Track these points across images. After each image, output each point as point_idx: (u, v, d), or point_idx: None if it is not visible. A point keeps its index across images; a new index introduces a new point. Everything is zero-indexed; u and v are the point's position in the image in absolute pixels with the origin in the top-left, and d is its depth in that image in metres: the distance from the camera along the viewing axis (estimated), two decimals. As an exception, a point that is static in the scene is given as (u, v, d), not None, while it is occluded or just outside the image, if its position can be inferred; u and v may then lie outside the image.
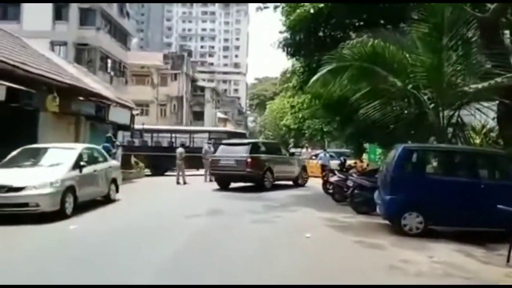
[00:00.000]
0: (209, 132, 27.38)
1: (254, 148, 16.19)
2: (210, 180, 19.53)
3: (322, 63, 11.55)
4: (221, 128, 39.53)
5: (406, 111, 11.52)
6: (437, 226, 8.35)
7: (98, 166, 11.37)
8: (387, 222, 9.12)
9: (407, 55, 10.38)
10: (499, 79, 9.71)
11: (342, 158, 16.63)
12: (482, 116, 13.36)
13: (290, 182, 17.97)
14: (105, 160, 12.12)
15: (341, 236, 8.14)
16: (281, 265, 5.91)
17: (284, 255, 6.48)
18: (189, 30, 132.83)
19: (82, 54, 36.27)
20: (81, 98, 15.93)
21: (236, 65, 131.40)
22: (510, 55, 11.28)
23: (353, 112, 16.08)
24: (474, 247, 7.40)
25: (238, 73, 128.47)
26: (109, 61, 39.80)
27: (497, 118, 11.69)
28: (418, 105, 10.80)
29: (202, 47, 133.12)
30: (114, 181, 12.15)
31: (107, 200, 11.63)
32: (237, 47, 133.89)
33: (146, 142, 26.35)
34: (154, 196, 13.95)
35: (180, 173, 18.38)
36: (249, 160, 15.40)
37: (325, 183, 15.78)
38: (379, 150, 25.62)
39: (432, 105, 10.78)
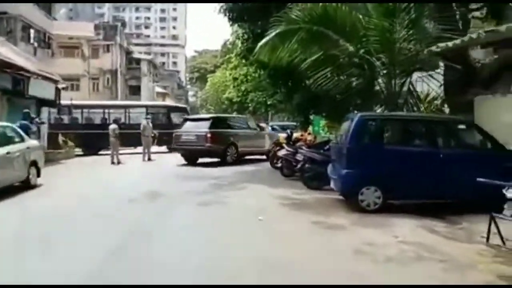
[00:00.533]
0: (147, 106, 25.55)
1: (216, 123, 16.12)
2: (149, 159, 18.20)
3: (267, 29, 10.61)
4: (159, 102, 37.52)
5: (356, 79, 10.88)
6: (396, 200, 7.81)
7: (13, 147, 9.73)
8: (342, 197, 8.52)
9: (360, 17, 9.63)
10: (450, 43, 9.29)
11: (288, 131, 15.94)
12: (424, 85, 13.26)
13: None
14: (22, 140, 10.44)
15: (297, 216, 7.36)
16: (233, 260, 4.97)
17: (235, 246, 5.55)
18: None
19: (1, 23, 32.56)
20: (-8, 69, 13.80)
21: (174, 37, 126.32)
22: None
23: (301, 81, 15.38)
24: (434, 221, 6.94)
25: (176, 45, 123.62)
26: (31, 31, 36.03)
27: (444, 84, 11.47)
28: (371, 72, 10.17)
29: (137, 18, 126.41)
30: (34, 163, 10.54)
31: (26, 185, 10.06)
32: (175, 18, 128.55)
33: (76, 119, 24.11)
34: (82, 179, 12.42)
35: (114, 152, 16.82)
36: (208, 135, 15.38)
37: (273, 157, 15.06)
38: (322, 122, 25.43)
39: (385, 71, 10.22)
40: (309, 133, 16.07)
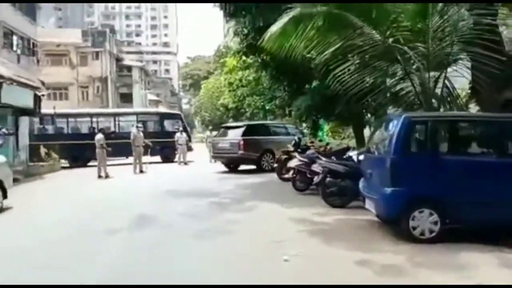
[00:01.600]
0: (137, 114, 23.72)
1: (250, 130, 15.96)
2: (141, 171, 16.39)
3: (271, 23, 8.90)
4: (151, 109, 35.34)
5: (382, 75, 9.13)
6: (457, 224, 6.03)
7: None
8: (377, 219, 6.76)
9: (388, -1, 7.92)
10: None
11: (296, 137, 14.17)
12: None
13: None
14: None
15: (331, 252, 5.54)
16: None
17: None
18: (113, 8, 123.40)
19: (-20, 29, 30.66)
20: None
21: (166, 44, 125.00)
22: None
23: (309, 81, 13.66)
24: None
25: (168, 52, 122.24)
26: (14, 37, 34.12)
27: (472, 80, 9.83)
28: (403, 65, 8.43)
29: (128, 25, 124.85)
30: (-2, 184, 8.71)
31: (-14, 212, 8.23)
32: (166, 25, 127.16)
33: (61, 129, 22.23)
34: (61, 199, 10.53)
35: (101, 165, 14.97)
36: (241, 142, 15.29)
37: (280, 168, 13.30)
38: (326, 127, 23.70)
39: (418, 64, 8.50)
40: (319, 140, 14.34)
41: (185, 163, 20.53)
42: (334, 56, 8.47)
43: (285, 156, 13.62)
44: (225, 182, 13.00)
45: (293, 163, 10.66)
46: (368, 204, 6.63)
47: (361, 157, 9.66)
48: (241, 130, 16.02)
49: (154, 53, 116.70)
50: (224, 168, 18.32)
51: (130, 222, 7.29)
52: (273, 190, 11.15)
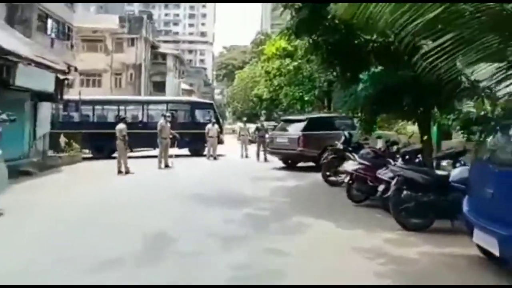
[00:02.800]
0: (167, 102, 22.04)
1: (312, 124, 14.43)
2: (166, 166, 14.68)
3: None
4: (182, 98, 33.42)
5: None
6: None
7: None
8: (481, 254, 4.60)
9: None
10: None
11: (346, 133, 11.99)
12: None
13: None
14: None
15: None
16: None
17: None
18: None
19: (15, 11, 29.87)
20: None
21: (203, 34, 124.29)
22: None
23: (367, 67, 11.41)
24: None
25: (204, 42, 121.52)
26: (49, 21, 33.32)
27: None
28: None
29: (166, 15, 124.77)
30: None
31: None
32: (204, 15, 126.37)
33: (86, 116, 20.87)
34: (69, 201, 8.75)
35: (122, 159, 13.29)
36: (301, 138, 13.95)
37: (327, 168, 11.23)
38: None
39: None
40: (378, 137, 12.08)
41: (215, 158, 18.70)
42: (425, 28, 6.18)
43: (332, 155, 11.55)
44: (261, 185, 11.03)
45: (349, 167, 8.52)
46: (483, 239, 4.45)
47: (444, 163, 7.47)
48: (302, 124, 14.57)
49: (190, 42, 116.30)
50: (255, 165, 16.42)
51: (139, 249, 5.39)
52: (321, 199, 9.10)
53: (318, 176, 11.65)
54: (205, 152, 19.31)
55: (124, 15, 50.66)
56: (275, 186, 10.72)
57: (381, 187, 7.28)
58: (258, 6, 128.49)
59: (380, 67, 11.54)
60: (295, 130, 14.58)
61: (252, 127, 25.54)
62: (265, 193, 9.71)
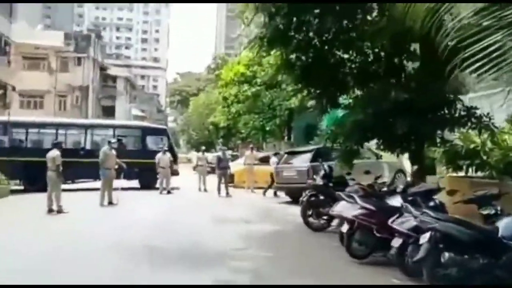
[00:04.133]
0: (114, 127, 19.52)
1: (320, 154, 12.91)
2: (110, 203, 12.29)
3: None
4: (131, 122, 30.22)
5: None
6: None
7: None
8: None
9: None
10: None
11: (325, 165, 10.26)
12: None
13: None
14: None
15: None
16: None
17: None
18: (103, 18, 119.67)
19: None
20: None
21: (156, 59, 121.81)
22: None
23: (347, 90, 9.92)
24: None
25: (157, 68, 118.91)
26: (-20, 32, 30.00)
27: None
28: None
29: (117, 38, 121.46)
30: None
31: None
32: (157, 40, 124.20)
33: (17, 141, 17.96)
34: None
35: (53, 193, 10.79)
36: (310, 170, 12.77)
37: (306, 208, 9.39)
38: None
39: None
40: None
41: (169, 192, 16.36)
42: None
43: (312, 193, 9.78)
44: (230, 230, 8.96)
45: (347, 211, 6.65)
46: None
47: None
48: (309, 155, 13.63)
49: (143, 67, 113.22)
50: (217, 202, 14.38)
51: None
52: (311, 253, 7.17)
53: (294, 215, 9.80)
54: (158, 185, 16.95)
55: (71, 32, 47.62)
56: (247, 232, 8.69)
57: (396, 242, 5.51)
58: (212, 32, 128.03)
59: (358, 91, 10.14)
60: (302, 162, 13.60)
61: (209, 156, 23.46)
62: (237, 243, 7.66)
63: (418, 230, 5.20)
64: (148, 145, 18.69)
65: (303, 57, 9.65)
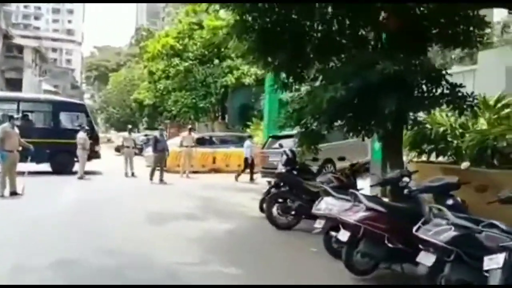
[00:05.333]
0: (19, 100, 16.12)
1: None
2: (13, 193, 9.68)
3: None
4: (41, 95, 25.16)
5: None
6: None
7: None
8: None
9: None
10: None
11: (287, 150, 8.60)
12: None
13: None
14: None
15: None
16: None
17: None
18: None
19: None
20: None
21: (70, 31, 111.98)
22: None
23: (312, 62, 8.31)
24: None
25: (71, 41, 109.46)
26: None
27: None
28: None
29: (25, 7, 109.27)
30: None
31: None
32: (70, 11, 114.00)
33: None
34: None
35: None
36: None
37: (265, 201, 7.72)
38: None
39: None
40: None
41: (80, 177, 13.72)
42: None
43: (272, 181, 8.16)
44: (174, 231, 7.00)
45: (348, 214, 4.96)
46: None
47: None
48: (295, 139, 11.61)
49: (54, 40, 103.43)
50: (151, 190, 12.25)
51: None
52: (288, 267, 5.45)
53: (246, 206, 8.07)
54: (76, 169, 14.21)
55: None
56: (198, 233, 6.79)
57: (426, 258, 3.98)
58: (133, 5, 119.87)
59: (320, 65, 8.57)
60: (289, 146, 11.79)
61: (137, 136, 20.75)
62: (187, 251, 5.75)
63: (457, 243, 3.74)
64: (62, 123, 15.72)
65: (262, 20, 7.84)
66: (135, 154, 16.59)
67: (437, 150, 9.57)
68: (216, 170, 17.32)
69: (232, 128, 25.48)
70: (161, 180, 13.34)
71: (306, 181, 7.54)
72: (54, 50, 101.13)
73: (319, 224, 5.68)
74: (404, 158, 11.06)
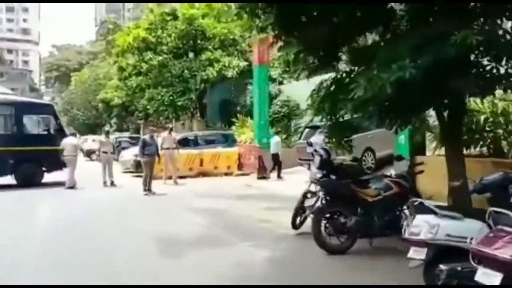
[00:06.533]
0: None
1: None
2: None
3: None
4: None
5: None
6: None
7: None
8: None
9: None
10: None
11: (319, 149, 6.91)
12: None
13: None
14: None
15: None
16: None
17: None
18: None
19: None
20: None
21: (25, 31, 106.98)
22: None
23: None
24: None
25: (28, 41, 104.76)
26: None
27: None
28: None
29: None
30: None
31: None
32: (25, 9, 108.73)
33: None
34: None
35: None
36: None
37: (318, 219, 6.02)
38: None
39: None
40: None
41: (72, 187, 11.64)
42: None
43: (308, 193, 6.53)
44: (193, 262, 5.22)
45: (504, 250, 3.34)
46: None
47: None
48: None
49: (10, 40, 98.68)
50: (146, 199, 10.36)
51: None
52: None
53: (264, 218, 6.38)
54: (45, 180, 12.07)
55: None
56: (231, 266, 5.04)
57: None
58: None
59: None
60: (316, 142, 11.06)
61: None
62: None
63: None
64: (27, 127, 13.45)
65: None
66: (114, 159, 14.50)
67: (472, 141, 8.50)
68: (204, 174, 15.48)
69: (213, 126, 23.60)
70: (150, 190, 11.34)
71: (358, 188, 5.89)
72: (9, 51, 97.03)
73: (417, 254, 4.05)
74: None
